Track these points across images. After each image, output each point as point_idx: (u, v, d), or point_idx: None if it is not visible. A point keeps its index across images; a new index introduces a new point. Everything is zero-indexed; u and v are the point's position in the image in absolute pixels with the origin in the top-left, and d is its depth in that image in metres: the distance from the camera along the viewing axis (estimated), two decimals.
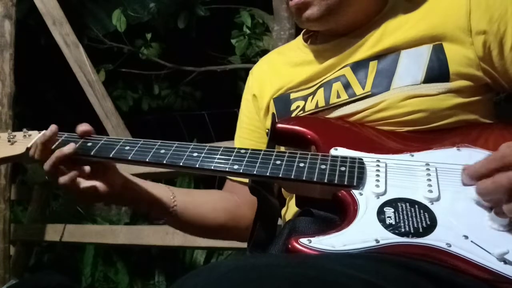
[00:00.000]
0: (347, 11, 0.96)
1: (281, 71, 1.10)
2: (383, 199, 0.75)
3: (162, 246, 2.41)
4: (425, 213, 0.71)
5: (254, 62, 1.24)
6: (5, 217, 2.67)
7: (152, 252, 3.09)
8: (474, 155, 0.78)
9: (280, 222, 1.01)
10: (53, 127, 0.94)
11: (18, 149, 0.95)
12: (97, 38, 3.86)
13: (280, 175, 0.81)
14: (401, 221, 0.70)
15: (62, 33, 2.67)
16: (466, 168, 0.74)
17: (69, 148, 0.91)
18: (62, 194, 3.76)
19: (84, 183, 0.92)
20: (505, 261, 0.65)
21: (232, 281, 0.55)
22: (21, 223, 3.30)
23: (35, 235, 2.92)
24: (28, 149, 0.95)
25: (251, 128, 1.15)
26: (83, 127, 0.96)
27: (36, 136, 0.96)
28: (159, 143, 0.90)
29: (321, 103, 0.97)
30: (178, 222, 1.06)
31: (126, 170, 0.99)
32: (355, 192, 0.76)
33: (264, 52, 3.06)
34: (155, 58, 3.87)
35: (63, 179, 0.91)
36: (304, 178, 0.79)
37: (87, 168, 0.92)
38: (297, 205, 0.88)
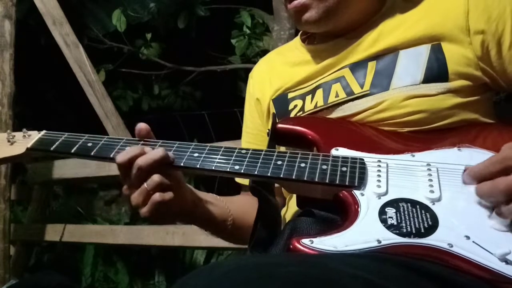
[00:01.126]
0: (346, 12, 0.97)
1: (279, 71, 1.10)
2: (385, 199, 0.75)
3: (162, 246, 2.41)
4: (427, 214, 0.71)
5: (254, 62, 1.24)
6: (5, 217, 2.67)
7: (152, 252, 3.09)
8: (475, 155, 0.78)
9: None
10: (163, 152, 0.83)
11: (17, 149, 0.95)
12: (97, 38, 3.85)
13: (281, 176, 0.81)
14: (403, 222, 0.70)
15: (62, 33, 2.67)
16: (467, 169, 0.74)
17: (158, 154, 0.82)
18: (62, 194, 3.77)
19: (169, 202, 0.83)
20: (507, 262, 0.65)
21: (233, 280, 0.54)
22: (21, 223, 3.30)
23: (35, 235, 2.92)
24: (28, 149, 0.94)
25: (254, 132, 1.15)
26: (143, 127, 0.88)
27: (36, 136, 0.95)
28: (159, 143, 0.90)
29: (320, 103, 0.97)
30: (232, 234, 1.04)
31: None
32: (357, 193, 0.76)
33: (264, 52, 3.06)
34: (155, 58, 3.86)
35: (156, 198, 0.81)
36: (305, 179, 0.79)
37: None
38: (298, 205, 0.87)
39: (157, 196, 0.82)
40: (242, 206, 1.06)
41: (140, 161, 0.82)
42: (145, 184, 0.82)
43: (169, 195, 0.83)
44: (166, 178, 0.83)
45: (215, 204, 1.00)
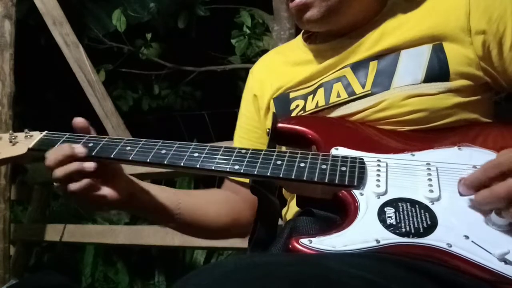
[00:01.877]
0: (347, 12, 0.97)
1: (280, 70, 1.10)
2: (384, 199, 0.75)
3: (162, 246, 2.41)
4: (426, 213, 0.71)
5: (254, 62, 1.24)
6: (5, 217, 2.67)
7: (152, 252, 3.09)
8: (475, 155, 0.78)
9: (280, 222, 1.01)
10: (83, 149, 0.89)
11: (19, 149, 0.95)
12: (97, 38, 3.85)
13: (281, 175, 0.81)
14: (402, 221, 0.70)
15: (62, 33, 2.67)
16: (462, 179, 0.74)
17: (82, 150, 0.88)
18: (62, 195, 3.76)
19: (94, 190, 0.89)
20: (506, 261, 0.65)
21: (234, 279, 0.54)
22: (21, 223, 3.30)
23: (35, 235, 2.92)
24: (30, 149, 0.94)
25: (249, 128, 1.15)
26: (80, 122, 0.93)
27: (38, 137, 0.95)
28: (160, 143, 0.90)
29: (321, 102, 0.97)
30: (182, 226, 1.05)
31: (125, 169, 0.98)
32: (356, 192, 0.76)
33: (264, 52, 3.04)
34: (155, 58, 3.87)
35: (74, 186, 0.87)
36: (304, 178, 0.79)
37: (90, 168, 0.88)
38: (297, 204, 0.88)
39: (72, 185, 0.87)
40: (201, 202, 1.07)
41: (47, 163, 0.88)
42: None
43: (85, 182, 0.87)
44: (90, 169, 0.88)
45: (161, 196, 1.00)
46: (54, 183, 0.90)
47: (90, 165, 0.87)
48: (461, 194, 0.74)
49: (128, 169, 0.99)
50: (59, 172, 0.87)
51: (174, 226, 1.06)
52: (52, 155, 0.88)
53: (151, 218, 1.03)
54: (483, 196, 0.70)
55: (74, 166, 0.87)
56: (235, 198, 1.11)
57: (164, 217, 1.02)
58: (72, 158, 0.87)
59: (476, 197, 0.71)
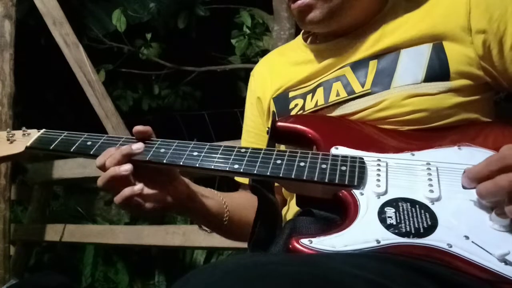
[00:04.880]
0: (349, 13, 0.97)
1: (281, 70, 1.10)
2: (384, 199, 0.74)
3: (162, 246, 2.41)
4: (426, 213, 0.71)
5: (254, 62, 1.24)
6: (5, 217, 2.67)
7: (152, 252, 3.09)
8: (475, 154, 0.78)
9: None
10: (141, 145, 0.87)
11: (17, 147, 0.95)
12: (97, 38, 3.85)
13: (281, 175, 0.80)
14: (402, 221, 0.70)
15: (62, 33, 2.67)
16: (466, 171, 0.74)
17: (140, 146, 0.86)
18: (62, 194, 3.76)
19: (150, 194, 0.87)
20: (506, 262, 0.64)
21: (233, 280, 0.54)
22: (21, 223, 3.30)
23: (35, 235, 2.92)
24: (27, 148, 0.94)
25: (255, 131, 1.15)
26: (139, 128, 0.90)
27: (35, 135, 0.95)
28: (159, 142, 0.90)
29: (321, 101, 0.97)
30: (229, 228, 1.05)
31: None
32: (356, 192, 0.76)
33: (264, 52, 3.05)
34: (155, 58, 3.86)
35: (128, 191, 0.84)
36: (304, 178, 0.79)
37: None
38: (297, 204, 0.87)
39: (126, 190, 0.85)
40: (240, 203, 1.07)
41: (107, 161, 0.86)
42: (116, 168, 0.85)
43: (139, 187, 0.85)
44: (145, 172, 0.87)
45: (212, 198, 1.00)
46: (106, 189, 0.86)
47: (128, 167, 0.84)
48: (463, 186, 0.74)
49: None
50: (103, 179, 0.84)
51: (220, 229, 1.05)
52: (106, 160, 0.85)
53: (202, 221, 1.02)
54: (486, 187, 0.70)
55: (114, 170, 0.84)
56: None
57: (216, 219, 1.01)
58: (129, 157, 0.85)
59: (479, 188, 0.71)
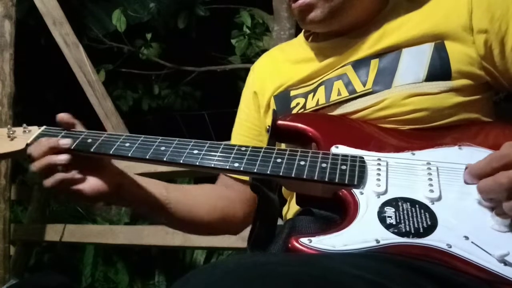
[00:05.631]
0: (350, 12, 0.96)
1: (281, 68, 1.09)
2: (384, 198, 0.74)
3: (162, 246, 2.41)
4: (426, 213, 0.71)
5: (254, 62, 1.24)
6: (5, 217, 2.67)
7: (152, 252, 3.09)
8: (475, 154, 0.78)
9: (280, 221, 1.01)
10: (69, 141, 0.91)
11: (17, 144, 0.94)
12: (97, 38, 3.85)
13: (281, 174, 0.80)
14: (402, 221, 0.70)
15: (62, 33, 2.67)
16: (468, 167, 0.74)
17: (66, 142, 0.90)
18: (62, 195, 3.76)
19: (78, 182, 0.90)
20: (505, 263, 0.64)
21: (233, 279, 0.54)
22: (21, 223, 3.29)
23: (35, 235, 2.92)
24: (28, 145, 0.94)
25: (248, 125, 1.15)
26: (63, 116, 0.94)
27: (36, 132, 0.95)
28: (159, 140, 0.90)
29: (322, 100, 0.97)
30: (172, 220, 1.05)
31: (128, 168, 0.98)
32: (356, 191, 0.76)
33: (264, 52, 3.05)
34: (155, 58, 3.87)
35: (59, 176, 0.88)
36: (304, 177, 0.79)
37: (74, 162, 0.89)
38: (297, 203, 0.87)
39: (55, 176, 0.88)
40: (192, 197, 1.07)
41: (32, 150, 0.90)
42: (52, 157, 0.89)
43: (60, 175, 0.88)
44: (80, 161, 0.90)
45: (150, 189, 1.00)
46: (39, 176, 0.91)
47: (64, 157, 0.89)
48: (465, 182, 0.74)
49: (128, 169, 0.99)
50: (38, 164, 0.88)
51: (164, 220, 1.06)
52: (35, 147, 0.90)
53: (141, 211, 1.03)
54: (486, 183, 0.70)
55: (50, 158, 0.88)
56: (228, 194, 1.11)
57: (154, 210, 1.01)
58: (55, 150, 0.89)
59: (479, 184, 0.71)
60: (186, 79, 4.09)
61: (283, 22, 2.50)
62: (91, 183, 0.91)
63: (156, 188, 1.02)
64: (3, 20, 2.68)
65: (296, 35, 1.18)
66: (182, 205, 1.04)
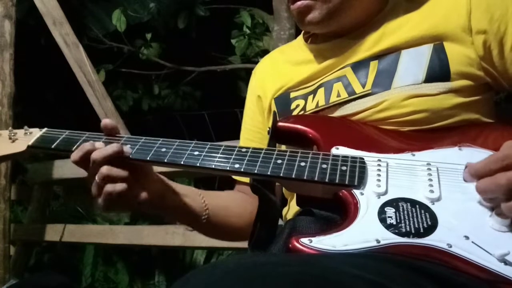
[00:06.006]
0: (349, 13, 0.97)
1: (282, 70, 1.10)
2: (384, 199, 0.74)
3: (162, 246, 2.41)
4: (426, 213, 0.71)
5: (254, 62, 1.24)
6: (5, 217, 2.67)
7: (152, 252, 3.09)
8: (475, 155, 0.78)
9: (280, 222, 1.01)
10: (118, 147, 0.87)
11: (19, 146, 0.95)
12: (97, 38, 3.85)
13: (281, 174, 0.80)
14: (402, 221, 0.70)
15: (62, 33, 2.67)
16: (468, 166, 0.74)
17: (129, 151, 0.88)
18: (62, 194, 3.76)
19: (128, 191, 0.87)
20: (506, 262, 0.65)
21: (233, 279, 0.54)
22: (21, 223, 3.30)
23: (35, 235, 2.92)
24: (29, 146, 0.94)
25: (254, 129, 1.15)
26: (109, 123, 0.92)
27: (37, 134, 0.95)
28: (160, 142, 0.90)
29: (322, 102, 0.97)
30: (207, 227, 1.05)
31: None
32: (356, 192, 0.76)
33: (264, 52, 3.06)
34: (155, 58, 3.86)
35: (113, 187, 0.85)
36: (305, 178, 0.79)
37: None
38: (297, 204, 0.87)
39: (108, 187, 0.86)
40: (224, 202, 1.07)
41: (94, 156, 0.86)
42: (96, 176, 0.86)
43: (121, 186, 0.86)
44: (125, 170, 0.87)
45: (189, 197, 1.00)
46: (91, 179, 0.88)
47: (116, 147, 0.86)
48: (464, 180, 0.75)
49: None
50: (104, 169, 0.85)
51: (200, 228, 1.05)
52: (101, 151, 0.86)
53: (178, 219, 1.03)
54: (484, 183, 0.70)
55: (105, 168, 0.86)
56: (249, 200, 1.10)
57: (192, 218, 1.01)
58: (113, 157, 0.86)
59: (478, 184, 0.72)
60: (186, 79, 4.09)
61: (283, 22, 2.49)
62: (139, 192, 0.89)
63: (194, 195, 1.01)
64: (3, 20, 2.68)
65: (296, 35, 1.19)
66: (217, 212, 1.04)
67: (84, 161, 0.88)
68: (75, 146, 0.91)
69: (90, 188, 0.89)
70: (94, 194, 0.88)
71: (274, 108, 1.06)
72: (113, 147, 0.86)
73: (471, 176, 0.73)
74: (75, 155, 0.88)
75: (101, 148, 0.87)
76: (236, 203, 1.10)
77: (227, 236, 1.15)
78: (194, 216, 1.01)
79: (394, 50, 0.93)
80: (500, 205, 0.68)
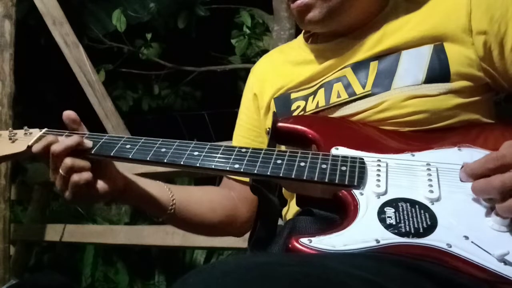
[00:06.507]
0: (349, 12, 0.96)
1: (281, 70, 1.10)
2: (384, 199, 0.75)
3: (162, 246, 2.41)
4: (426, 213, 0.71)
5: (254, 62, 1.24)
6: (5, 217, 2.67)
7: (152, 252, 3.09)
8: (475, 155, 0.78)
9: (280, 222, 1.01)
10: (78, 138, 0.89)
11: (18, 147, 0.95)
12: (97, 38, 3.85)
13: (281, 175, 0.80)
14: (402, 221, 0.70)
15: (62, 33, 2.67)
16: (464, 165, 0.74)
17: (90, 143, 0.90)
18: (58, 186, 3.76)
19: (91, 183, 0.89)
20: (505, 262, 0.65)
21: (233, 279, 0.54)
22: (21, 223, 3.30)
23: (35, 235, 2.92)
24: (29, 147, 0.94)
25: (248, 126, 1.15)
26: (71, 114, 0.94)
27: (37, 134, 0.96)
28: (160, 142, 0.90)
29: (322, 103, 0.97)
30: (176, 220, 1.05)
31: (128, 169, 0.98)
32: (356, 192, 0.76)
33: (264, 52, 3.05)
34: (155, 58, 3.87)
35: (76, 177, 0.87)
36: (304, 178, 0.79)
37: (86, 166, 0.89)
38: (297, 204, 0.87)
39: (74, 177, 0.87)
40: (195, 196, 1.08)
41: (53, 147, 0.87)
42: (60, 169, 0.87)
43: (87, 174, 0.88)
44: (87, 162, 0.88)
45: (155, 189, 1.01)
46: (54, 173, 0.89)
47: (73, 139, 0.88)
48: (460, 180, 0.75)
49: (129, 169, 0.99)
50: (69, 160, 0.87)
51: (169, 220, 1.06)
52: (62, 143, 0.87)
53: (145, 209, 1.04)
54: (479, 184, 0.71)
55: (69, 159, 0.87)
56: (231, 196, 1.11)
57: (158, 210, 1.02)
58: (79, 147, 0.88)
59: (473, 185, 0.72)
60: (186, 79, 4.09)
61: (283, 22, 2.50)
62: (102, 184, 0.91)
63: (160, 188, 1.02)
64: (3, 20, 2.68)
65: (296, 35, 1.18)
66: (186, 205, 1.05)
67: (46, 154, 0.89)
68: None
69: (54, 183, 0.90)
70: (59, 186, 0.89)
71: (273, 108, 1.06)
72: (73, 139, 0.88)
73: (467, 176, 0.74)
74: (38, 145, 0.90)
75: (61, 141, 0.88)
76: (210, 197, 1.10)
77: (199, 229, 1.15)
78: (160, 207, 1.01)
79: (394, 51, 0.93)
80: (495, 203, 0.68)
